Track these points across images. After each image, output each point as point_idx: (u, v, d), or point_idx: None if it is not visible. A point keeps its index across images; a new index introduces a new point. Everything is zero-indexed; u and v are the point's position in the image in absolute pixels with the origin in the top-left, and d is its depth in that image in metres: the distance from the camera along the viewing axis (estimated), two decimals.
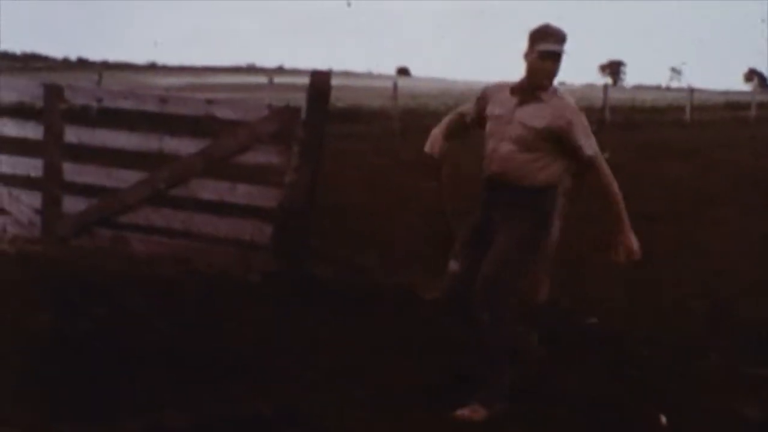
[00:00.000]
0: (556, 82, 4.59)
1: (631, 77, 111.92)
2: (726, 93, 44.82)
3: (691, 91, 35.05)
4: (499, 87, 4.71)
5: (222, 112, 7.23)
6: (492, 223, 4.61)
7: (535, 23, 4.55)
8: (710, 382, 5.14)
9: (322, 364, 5.13)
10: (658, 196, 13.15)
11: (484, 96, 4.73)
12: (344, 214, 9.75)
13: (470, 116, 4.81)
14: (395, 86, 25.79)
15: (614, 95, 35.46)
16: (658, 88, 76.42)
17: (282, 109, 7.04)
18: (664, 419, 4.48)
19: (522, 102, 4.58)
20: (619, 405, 4.72)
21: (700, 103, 35.52)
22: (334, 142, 12.39)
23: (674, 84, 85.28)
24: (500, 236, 4.55)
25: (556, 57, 4.53)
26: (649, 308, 6.80)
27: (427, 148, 4.76)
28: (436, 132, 4.79)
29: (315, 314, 6.03)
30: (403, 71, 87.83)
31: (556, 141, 4.55)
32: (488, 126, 4.66)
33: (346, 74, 57.29)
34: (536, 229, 4.63)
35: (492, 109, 4.65)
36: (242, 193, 7.08)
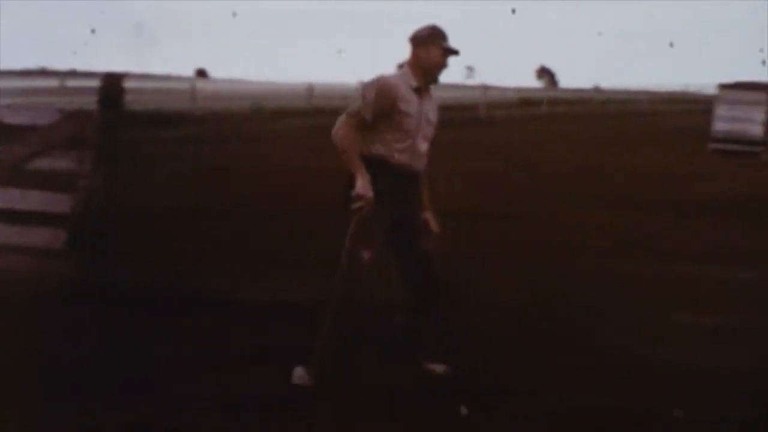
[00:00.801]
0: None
1: None
2: (519, 90, 46.35)
3: (485, 88, 36.24)
4: (396, 83, 4.87)
5: (11, 118, 6.92)
6: (408, 212, 4.96)
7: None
8: (519, 374, 5.22)
9: (138, 370, 4.97)
10: (474, 194, 13.41)
11: (391, 93, 4.82)
12: (156, 220, 9.51)
13: (371, 117, 4.82)
14: (194, 88, 25.45)
15: None
16: (454, 85, 78.42)
17: (74, 113, 6.80)
18: (464, 410, 4.54)
19: (422, 99, 4.92)
20: (428, 400, 4.74)
21: (494, 100, 36.69)
22: (137, 146, 12.08)
23: (469, 82, 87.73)
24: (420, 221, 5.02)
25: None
26: (467, 304, 6.74)
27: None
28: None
29: (123, 321, 5.86)
30: (201, 73, 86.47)
31: None
32: (400, 122, 4.84)
33: (144, 77, 55.90)
34: None
35: (405, 107, 4.84)
36: (35, 200, 6.78)
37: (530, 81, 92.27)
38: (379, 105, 4.79)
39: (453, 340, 5.59)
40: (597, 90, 53.06)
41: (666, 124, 34.18)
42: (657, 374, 5.38)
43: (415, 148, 4.90)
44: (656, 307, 7.04)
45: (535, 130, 27.27)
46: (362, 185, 4.70)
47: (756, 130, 23.48)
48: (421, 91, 4.92)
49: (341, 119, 4.85)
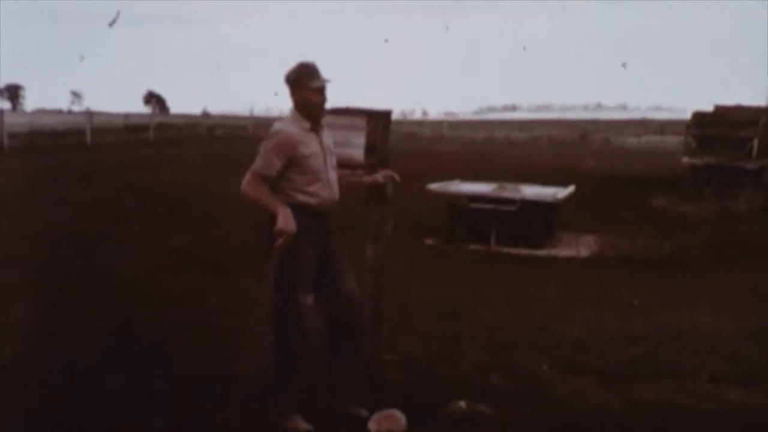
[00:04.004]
0: None
1: (31, 101, 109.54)
2: (127, 115, 45.55)
3: (91, 114, 35.44)
4: (291, 130, 4.92)
5: None
6: (327, 250, 4.99)
7: None
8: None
9: None
10: (65, 218, 13.13)
11: (289, 143, 4.86)
12: None
13: (272, 171, 4.83)
14: None
15: (14, 120, 34.52)
16: (59, 111, 75.78)
17: None
18: None
19: (319, 134, 5.01)
20: None
21: (100, 125, 35.94)
22: None
23: (76, 108, 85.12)
24: (343, 258, 5.08)
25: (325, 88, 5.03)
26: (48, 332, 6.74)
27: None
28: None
29: None
30: None
31: None
32: (307, 165, 4.89)
33: None
34: None
35: (306, 150, 4.90)
36: None
37: (139, 107, 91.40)
38: (279, 157, 4.83)
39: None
40: (206, 115, 53.50)
41: None
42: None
43: (328, 182, 5.01)
44: (229, 319, 7.28)
45: (141, 154, 26.97)
46: (284, 219, 4.72)
47: (358, 154, 24.68)
48: (313, 127, 4.99)
49: (247, 177, 4.85)
